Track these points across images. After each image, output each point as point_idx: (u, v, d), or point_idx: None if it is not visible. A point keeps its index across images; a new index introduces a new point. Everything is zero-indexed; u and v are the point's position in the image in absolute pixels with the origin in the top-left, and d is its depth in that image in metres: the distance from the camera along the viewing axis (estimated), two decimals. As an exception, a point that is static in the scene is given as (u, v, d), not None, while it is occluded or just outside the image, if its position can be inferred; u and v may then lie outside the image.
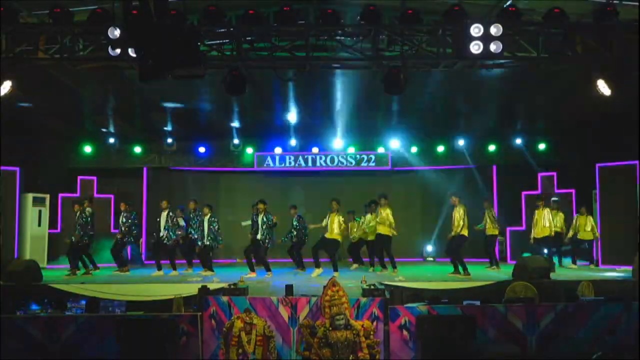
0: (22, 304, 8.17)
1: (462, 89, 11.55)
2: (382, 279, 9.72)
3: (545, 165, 14.38)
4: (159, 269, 11.43)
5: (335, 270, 10.89)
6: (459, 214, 10.94)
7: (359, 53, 9.13)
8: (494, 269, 11.82)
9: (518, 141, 14.63)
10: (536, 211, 12.16)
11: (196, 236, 11.60)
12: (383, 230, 11.34)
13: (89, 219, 11.45)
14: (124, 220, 11.60)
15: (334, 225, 11.23)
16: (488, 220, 12.13)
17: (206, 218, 11.53)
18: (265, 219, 11.26)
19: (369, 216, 12.02)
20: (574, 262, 12.48)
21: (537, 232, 11.96)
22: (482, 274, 11.04)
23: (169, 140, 14.73)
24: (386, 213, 11.30)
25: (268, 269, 11.20)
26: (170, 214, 11.64)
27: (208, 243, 11.46)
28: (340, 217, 11.40)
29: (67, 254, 11.50)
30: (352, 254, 12.99)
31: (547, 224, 11.84)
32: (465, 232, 10.90)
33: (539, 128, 14.21)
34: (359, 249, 12.88)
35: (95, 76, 10.24)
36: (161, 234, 11.51)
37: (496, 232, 12.24)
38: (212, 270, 11.38)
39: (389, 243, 11.44)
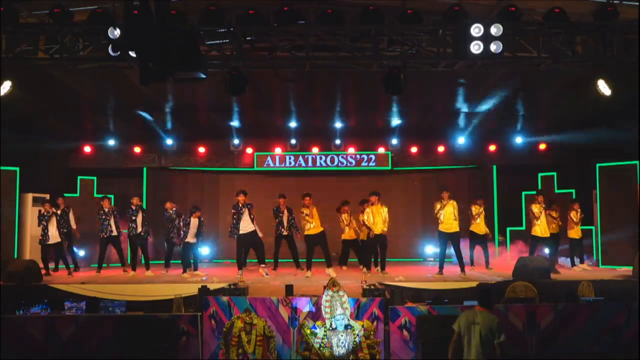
0: (22, 304, 8.15)
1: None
2: (382, 279, 9.72)
3: (545, 166, 14.35)
4: (147, 268, 11.51)
5: (329, 265, 10.86)
6: (454, 209, 10.89)
7: (359, 53, 9.14)
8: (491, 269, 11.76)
9: (518, 140, 14.63)
10: (537, 208, 11.59)
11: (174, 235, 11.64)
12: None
13: (67, 217, 11.53)
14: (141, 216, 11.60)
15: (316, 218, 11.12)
16: (481, 218, 11.97)
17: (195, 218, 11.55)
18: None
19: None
20: (581, 262, 12.23)
21: (543, 232, 11.53)
22: (482, 274, 11.03)
23: (169, 142, 14.76)
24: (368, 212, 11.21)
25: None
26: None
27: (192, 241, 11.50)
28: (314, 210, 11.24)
29: (56, 255, 11.55)
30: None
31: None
32: (458, 228, 10.91)
33: (539, 128, 14.21)
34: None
35: (95, 76, 10.24)
36: (139, 231, 11.52)
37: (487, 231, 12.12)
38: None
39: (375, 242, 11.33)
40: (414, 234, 15.28)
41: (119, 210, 12.16)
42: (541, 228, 11.44)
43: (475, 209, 11.81)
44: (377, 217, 11.14)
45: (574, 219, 12.06)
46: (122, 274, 11.45)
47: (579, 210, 12.11)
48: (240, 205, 10.85)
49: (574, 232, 12.08)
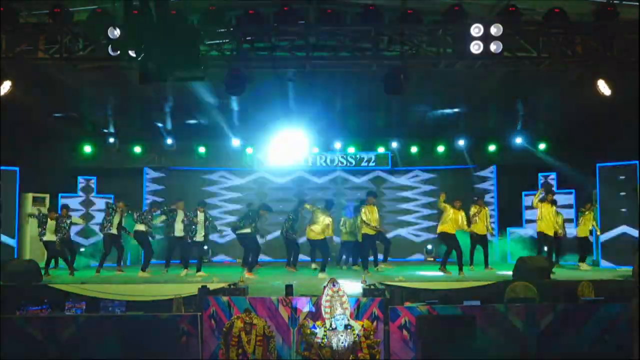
0: (22, 304, 8.15)
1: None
2: (382, 279, 9.71)
3: (545, 165, 14.35)
4: (143, 270, 11.36)
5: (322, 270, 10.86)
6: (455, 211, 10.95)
7: (359, 53, 9.14)
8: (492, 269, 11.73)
9: (518, 140, 14.63)
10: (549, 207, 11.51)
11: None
12: (366, 230, 11.28)
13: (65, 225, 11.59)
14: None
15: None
16: (480, 218, 11.96)
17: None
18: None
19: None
20: (582, 261, 12.14)
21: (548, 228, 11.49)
22: (482, 274, 11.03)
23: (169, 141, 14.74)
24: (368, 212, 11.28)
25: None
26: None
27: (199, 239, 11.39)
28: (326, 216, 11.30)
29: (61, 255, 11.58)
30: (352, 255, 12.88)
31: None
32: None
33: (539, 128, 14.20)
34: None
35: (95, 76, 10.23)
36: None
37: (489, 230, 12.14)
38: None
39: (368, 243, 11.43)
40: (414, 234, 15.27)
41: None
42: (546, 224, 11.38)
43: (473, 209, 11.81)
44: (374, 215, 11.23)
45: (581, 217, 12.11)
46: (118, 273, 11.41)
47: (588, 208, 12.16)
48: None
49: (580, 231, 12.16)
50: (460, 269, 10.77)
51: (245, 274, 10.50)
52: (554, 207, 11.70)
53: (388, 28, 9.13)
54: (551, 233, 11.47)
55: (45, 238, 11.28)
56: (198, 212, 11.36)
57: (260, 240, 11.69)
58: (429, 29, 9.04)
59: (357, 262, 12.27)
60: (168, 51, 5.25)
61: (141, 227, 11.54)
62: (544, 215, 11.43)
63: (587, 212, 12.28)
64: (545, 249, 11.77)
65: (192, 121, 13.83)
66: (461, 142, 14.72)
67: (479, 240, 11.86)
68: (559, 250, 12.04)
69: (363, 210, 11.34)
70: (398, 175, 15.50)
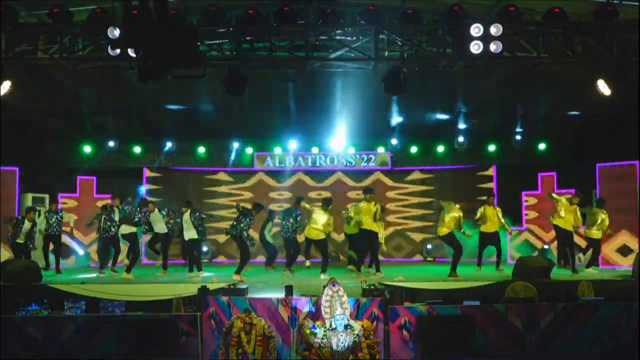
0: (22, 304, 8.16)
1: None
2: (382, 279, 9.71)
3: (545, 166, 14.33)
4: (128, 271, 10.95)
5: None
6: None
7: (359, 53, 9.14)
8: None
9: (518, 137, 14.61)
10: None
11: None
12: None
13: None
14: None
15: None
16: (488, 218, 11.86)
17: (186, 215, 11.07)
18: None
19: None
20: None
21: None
22: (482, 274, 11.02)
23: (169, 144, 14.74)
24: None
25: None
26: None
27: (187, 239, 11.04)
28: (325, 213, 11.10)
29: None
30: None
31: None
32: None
33: (539, 128, 14.20)
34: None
35: (95, 76, 10.23)
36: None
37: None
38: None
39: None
40: (413, 234, 15.27)
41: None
42: (565, 221, 11.10)
43: (479, 212, 11.71)
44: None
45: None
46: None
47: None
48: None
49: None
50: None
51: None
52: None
53: (388, 28, 9.13)
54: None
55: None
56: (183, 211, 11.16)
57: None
58: (429, 29, 9.05)
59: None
60: (167, 48, 5.25)
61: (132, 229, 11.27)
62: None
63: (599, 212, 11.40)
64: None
65: None
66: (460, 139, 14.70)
67: (489, 239, 11.63)
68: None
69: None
70: (398, 175, 15.47)
